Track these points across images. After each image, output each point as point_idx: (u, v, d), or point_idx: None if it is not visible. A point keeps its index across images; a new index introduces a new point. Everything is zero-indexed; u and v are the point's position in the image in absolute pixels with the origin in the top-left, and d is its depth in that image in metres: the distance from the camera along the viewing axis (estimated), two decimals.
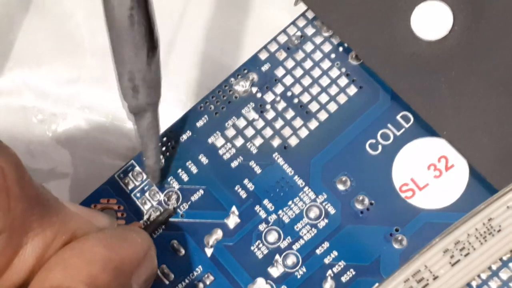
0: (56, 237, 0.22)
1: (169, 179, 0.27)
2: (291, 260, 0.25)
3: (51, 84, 0.31)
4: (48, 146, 0.31)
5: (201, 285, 0.25)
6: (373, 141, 0.26)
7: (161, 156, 0.26)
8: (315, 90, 0.27)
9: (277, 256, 0.26)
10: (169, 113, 0.29)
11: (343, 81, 0.27)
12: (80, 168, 0.30)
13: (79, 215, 0.23)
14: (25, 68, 0.32)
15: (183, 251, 0.26)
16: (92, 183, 0.28)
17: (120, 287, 0.22)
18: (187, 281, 0.26)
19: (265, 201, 0.26)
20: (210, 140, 0.27)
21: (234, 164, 0.27)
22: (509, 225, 0.24)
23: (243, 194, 0.26)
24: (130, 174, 0.27)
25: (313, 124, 0.27)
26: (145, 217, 0.26)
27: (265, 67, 0.27)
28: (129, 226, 0.26)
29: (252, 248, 0.26)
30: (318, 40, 0.27)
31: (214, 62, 0.30)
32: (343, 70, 0.27)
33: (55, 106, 0.31)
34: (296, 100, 0.27)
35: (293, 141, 0.27)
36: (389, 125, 0.26)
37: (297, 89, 0.27)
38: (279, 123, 0.27)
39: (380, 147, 0.26)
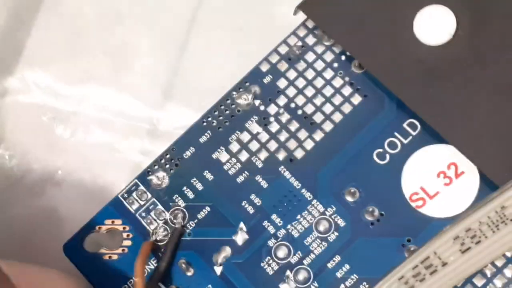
0: None
1: (174, 197, 0.25)
2: (302, 275, 0.24)
3: (61, 83, 0.31)
4: (57, 144, 0.31)
5: None
6: (381, 150, 0.25)
7: None
8: (318, 100, 0.26)
9: (288, 272, 0.24)
10: (182, 114, 0.30)
11: (347, 90, 0.25)
12: (90, 167, 0.30)
13: None
14: (35, 67, 0.32)
15: (192, 271, 0.25)
16: (102, 184, 0.29)
17: None
18: None
19: (273, 216, 0.25)
20: (214, 156, 0.25)
21: (240, 179, 0.25)
22: None
23: (250, 210, 0.25)
24: (134, 194, 0.26)
25: (318, 136, 0.25)
26: (153, 237, 0.25)
27: (267, 79, 0.26)
28: None
29: (262, 264, 0.25)
30: (319, 49, 0.26)
31: (227, 62, 0.30)
32: (347, 79, 0.25)
33: (65, 105, 0.31)
34: (300, 112, 0.25)
35: (299, 154, 0.25)
36: (396, 134, 0.25)
37: (300, 100, 0.26)
38: (283, 136, 0.25)
39: (388, 156, 0.24)
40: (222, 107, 0.26)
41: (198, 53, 0.31)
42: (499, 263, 0.23)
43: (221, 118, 0.26)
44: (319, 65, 0.26)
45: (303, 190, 0.25)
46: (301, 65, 0.26)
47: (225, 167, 0.25)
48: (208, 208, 0.25)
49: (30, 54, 0.32)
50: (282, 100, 0.26)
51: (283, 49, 0.27)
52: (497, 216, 0.23)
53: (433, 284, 0.23)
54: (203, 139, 0.26)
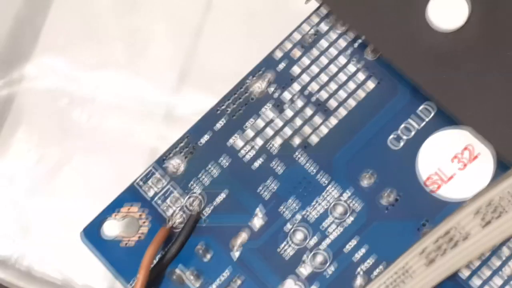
0: None
1: (190, 184, 0.25)
2: (319, 259, 0.24)
3: (77, 68, 0.32)
4: (75, 129, 0.31)
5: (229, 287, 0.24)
6: (395, 135, 0.24)
7: None
8: (332, 86, 0.26)
9: (304, 256, 0.24)
10: (198, 99, 0.30)
11: (361, 76, 0.25)
12: (107, 151, 0.31)
13: None
14: (52, 54, 0.32)
15: (209, 256, 0.25)
16: (119, 169, 0.30)
17: None
18: (214, 286, 0.24)
19: (289, 201, 0.25)
20: (229, 142, 0.25)
21: (255, 165, 0.25)
22: None
23: (266, 195, 0.25)
24: (150, 181, 0.26)
25: (333, 121, 0.25)
26: (169, 224, 0.25)
27: (280, 66, 0.26)
28: None
29: (279, 249, 0.24)
30: (332, 36, 0.26)
31: (242, 48, 0.30)
32: (360, 65, 0.25)
33: (81, 90, 0.32)
34: (314, 98, 0.25)
35: (314, 139, 0.25)
36: (409, 119, 0.25)
37: (314, 86, 0.26)
38: (298, 122, 0.25)
39: (402, 141, 0.24)
40: (236, 94, 0.26)
41: (213, 38, 0.31)
42: None
43: (235, 105, 0.26)
44: (332, 52, 0.26)
45: (318, 176, 0.25)
46: (315, 52, 0.26)
47: (241, 154, 0.25)
48: (224, 194, 0.25)
49: (46, 41, 0.32)
50: (296, 87, 0.26)
51: (297, 36, 0.27)
52: None
53: (454, 257, 0.23)
54: (218, 125, 0.26)
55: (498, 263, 0.24)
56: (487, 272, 0.24)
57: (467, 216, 0.23)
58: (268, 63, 0.26)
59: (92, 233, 0.26)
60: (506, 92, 0.24)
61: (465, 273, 0.24)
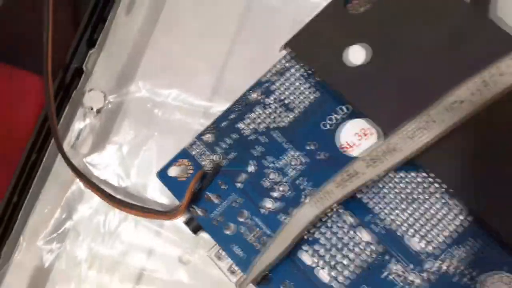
0: None
1: (215, 147, 0.31)
2: (283, 187, 0.30)
3: (158, 87, 0.34)
4: (155, 120, 0.34)
5: (235, 203, 0.30)
6: (326, 122, 0.31)
7: None
8: (296, 95, 0.32)
9: (276, 186, 0.30)
10: (222, 103, 0.32)
11: (311, 90, 0.32)
12: (173, 132, 0.33)
13: None
14: (144, 79, 0.34)
15: (225, 186, 0.31)
16: (179, 140, 0.31)
17: None
18: (228, 201, 0.30)
19: (268, 157, 0.31)
20: (236, 125, 0.32)
21: (251, 138, 0.31)
22: (406, 147, 0.28)
23: (257, 154, 0.31)
24: (194, 146, 0.32)
25: (296, 113, 0.31)
26: (204, 168, 0.31)
27: (266, 85, 0.32)
28: None
29: (262, 182, 0.31)
30: (296, 67, 0.32)
31: (246, 75, 0.32)
32: (310, 84, 0.32)
33: (159, 98, 0.34)
34: (283, 102, 0.32)
35: (283, 124, 0.31)
36: (334, 113, 0.31)
37: (285, 95, 0.32)
38: (275, 114, 0.32)
39: (329, 125, 0.31)
40: (242, 100, 0.32)
41: (232, 70, 0.34)
42: (392, 174, 0.29)
43: (241, 106, 0.32)
44: (296, 76, 0.32)
45: (284, 144, 0.31)
46: (285, 76, 0.32)
47: (243, 131, 0.32)
48: (234, 153, 0.31)
49: (141, 71, 0.35)
50: (275, 95, 0.32)
51: (276, 68, 0.32)
52: (387, 149, 0.28)
53: (354, 184, 0.28)
54: (231, 116, 0.32)
55: (376, 190, 0.29)
56: (371, 195, 0.29)
57: (361, 163, 0.29)
58: (259, 83, 0.32)
59: (163, 174, 0.31)
60: (387, 97, 0.30)
61: (359, 195, 0.29)
